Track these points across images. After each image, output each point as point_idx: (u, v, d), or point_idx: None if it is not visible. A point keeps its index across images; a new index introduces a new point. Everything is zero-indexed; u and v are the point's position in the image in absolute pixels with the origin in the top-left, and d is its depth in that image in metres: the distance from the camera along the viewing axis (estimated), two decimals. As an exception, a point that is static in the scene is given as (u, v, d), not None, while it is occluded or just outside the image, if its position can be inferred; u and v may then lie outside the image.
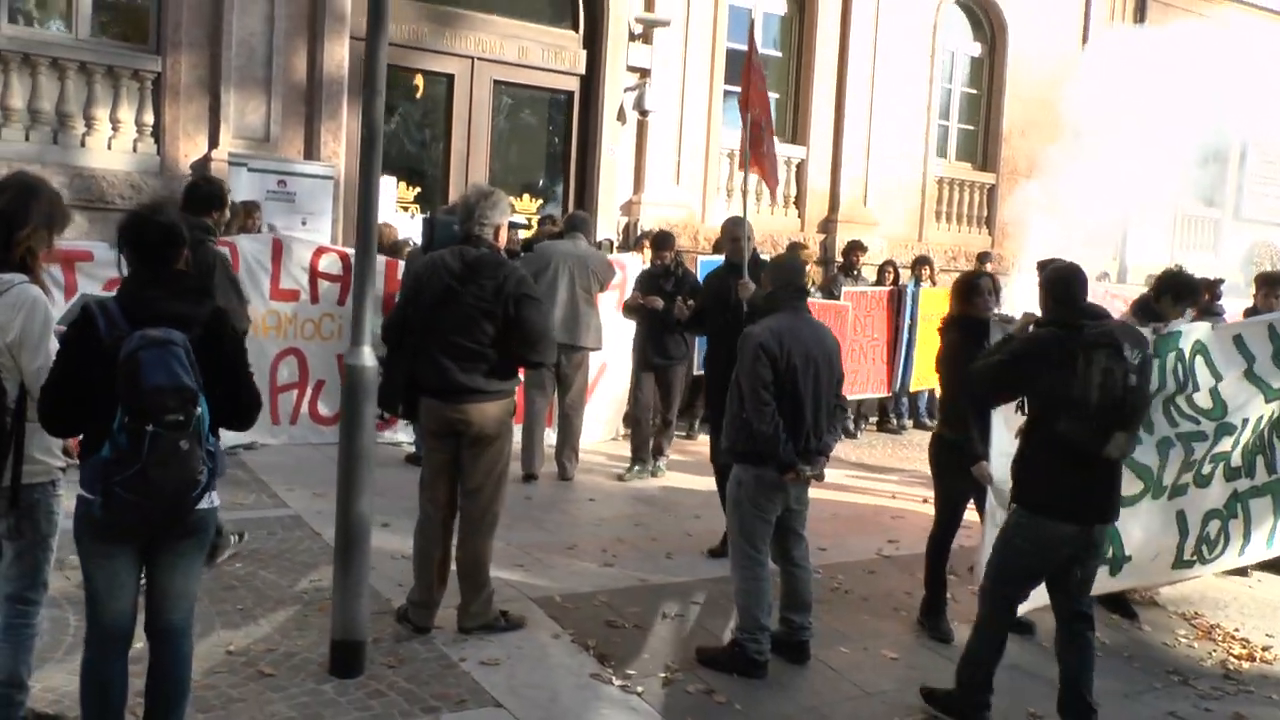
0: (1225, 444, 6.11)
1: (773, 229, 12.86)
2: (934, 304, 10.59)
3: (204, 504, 3.25)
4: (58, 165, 9.45)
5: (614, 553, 6.59)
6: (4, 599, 3.62)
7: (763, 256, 7.31)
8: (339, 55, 10.39)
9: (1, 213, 3.50)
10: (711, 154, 12.57)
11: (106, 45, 9.88)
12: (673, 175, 12.21)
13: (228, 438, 7.85)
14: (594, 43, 11.90)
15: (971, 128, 15.43)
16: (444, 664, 4.75)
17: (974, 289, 5.64)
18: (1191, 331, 6.06)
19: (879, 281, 11.66)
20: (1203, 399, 6.05)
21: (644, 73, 11.87)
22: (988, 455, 5.38)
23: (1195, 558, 6.27)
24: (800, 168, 13.45)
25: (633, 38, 11.82)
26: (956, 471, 5.55)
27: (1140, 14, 16.35)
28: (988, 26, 15.32)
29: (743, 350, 4.89)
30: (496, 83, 11.35)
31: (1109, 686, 5.17)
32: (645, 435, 8.63)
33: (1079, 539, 4.41)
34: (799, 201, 13.45)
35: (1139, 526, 5.90)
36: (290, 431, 8.74)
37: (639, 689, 4.66)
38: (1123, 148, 13.34)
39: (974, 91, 15.39)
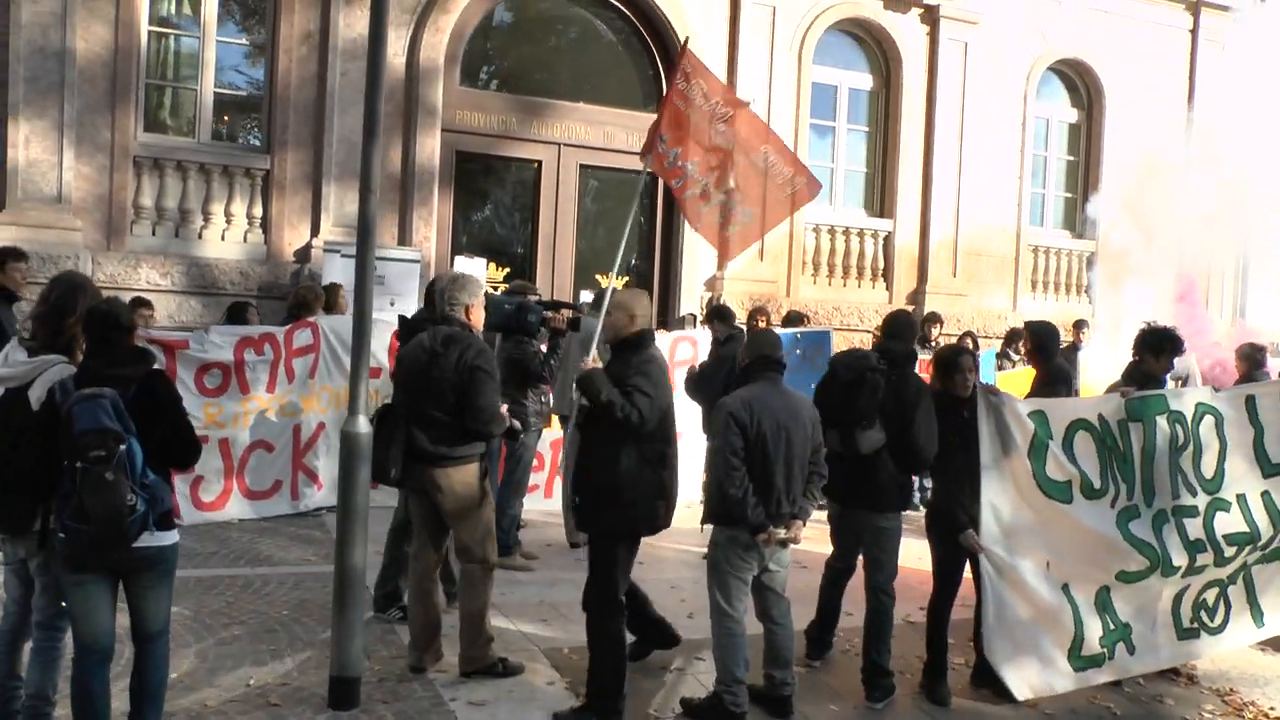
0: (1226, 523, 6.05)
1: (860, 301, 13.06)
2: (1011, 384, 10.36)
3: (153, 540, 3.84)
4: (178, 256, 10.48)
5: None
6: (35, 625, 4.25)
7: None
8: (430, 147, 11.23)
9: (54, 304, 4.18)
10: (796, 229, 12.89)
11: (223, 147, 10.95)
12: (755, 251, 12.57)
13: (314, 499, 8.63)
14: (676, 126, 12.44)
15: (1070, 195, 15.34)
16: (434, 702, 5.17)
17: (954, 366, 5.82)
18: (1187, 394, 6.09)
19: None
20: (1207, 467, 6.05)
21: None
22: (970, 525, 5.55)
23: (1196, 625, 6.18)
24: (887, 240, 13.62)
25: (713, 118, 12.30)
26: (948, 539, 5.72)
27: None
28: (1084, 92, 15.28)
29: (715, 419, 5.20)
30: (582, 167, 11.99)
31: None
32: None
33: None
34: (887, 274, 13.61)
35: (1135, 597, 5.90)
36: (373, 495, 9.31)
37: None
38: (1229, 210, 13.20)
39: (1072, 158, 15.32)
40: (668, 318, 11.67)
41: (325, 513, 8.95)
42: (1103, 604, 5.81)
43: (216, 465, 8.74)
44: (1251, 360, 8.58)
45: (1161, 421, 5.89)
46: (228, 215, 10.84)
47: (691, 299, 12.04)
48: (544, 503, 9.69)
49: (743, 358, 5.57)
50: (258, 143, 11.15)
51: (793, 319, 10.96)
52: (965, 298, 13.79)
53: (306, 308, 9.55)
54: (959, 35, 13.75)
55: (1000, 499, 5.56)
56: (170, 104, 11.18)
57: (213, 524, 8.56)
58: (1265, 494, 6.24)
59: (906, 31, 13.58)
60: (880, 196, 13.81)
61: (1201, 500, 5.98)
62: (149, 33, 10.74)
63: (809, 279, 13.07)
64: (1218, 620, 6.28)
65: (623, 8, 12.30)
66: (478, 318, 5.64)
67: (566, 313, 7.45)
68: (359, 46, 10.93)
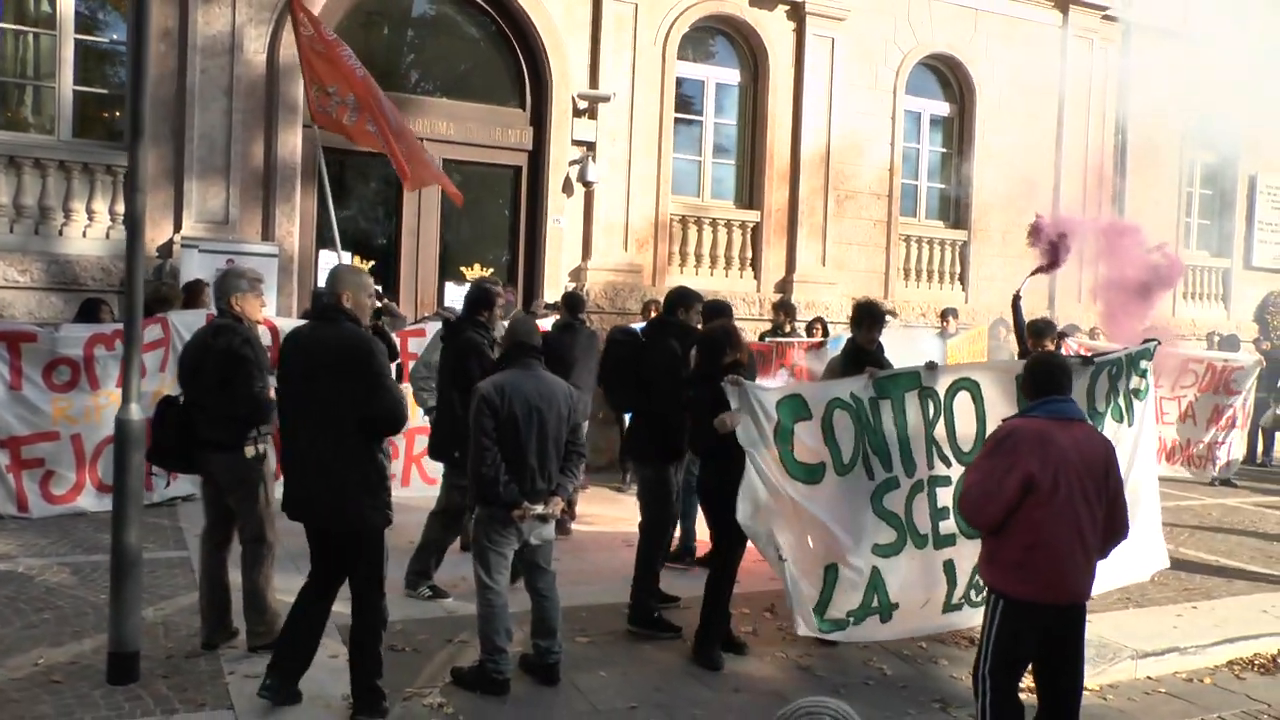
0: None
1: (729, 290, 13.43)
2: (961, 351, 10.94)
3: None
4: (39, 254, 10.59)
5: (451, 590, 7.16)
6: None
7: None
8: (292, 143, 11.40)
9: None
10: (661, 219, 13.23)
11: (83, 145, 11.05)
12: (620, 242, 12.90)
13: (168, 490, 8.80)
14: (540, 120, 12.75)
15: (944, 186, 15.83)
16: (213, 675, 5.44)
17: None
18: (944, 372, 6.49)
19: (809, 335, 12.14)
20: (965, 440, 6.45)
21: (590, 146, 12.65)
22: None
23: (963, 602, 6.57)
24: (756, 229, 14.00)
25: (577, 113, 12.63)
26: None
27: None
28: (956, 86, 15.76)
29: (471, 403, 5.51)
30: (446, 161, 12.23)
31: (860, 711, 5.49)
32: None
33: None
34: (755, 263, 13.98)
35: (902, 574, 6.27)
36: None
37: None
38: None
39: (945, 150, 15.81)
40: (531, 308, 11.91)
41: (180, 502, 9.18)
42: (874, 584, 6.17)
43: (69, 459, 8.93)
44: (1040, 334, 8.95)
45: (911, 397, 6.28)
46: (89, 212, 10.93)
47: (556, 289, 12.33)
48: (400, 490, 9.93)
49: (503, 344, 5.89)
50: (118, 140, 11.27)
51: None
52: (835, 286, 14.19)
53: (165, 303, 9.70)
54: (825, 31, 14.12)
55: (757, 479, 5.90)
56: (31, 102, 11.27)
57: (62, 516, 8.75)
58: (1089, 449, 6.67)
59: (773, 28, 13.94)
60: (750, 188, 14.16)
61: (956, 471, 6.37)
62: (3, 30, 10.82)
63: (676, 268, 13.41)
64: (982, 596, 6.66)
65: (486, 6, 12.52)
66: (252, 313, 5.88)
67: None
68: (217, 44, 11.10)
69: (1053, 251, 9.17)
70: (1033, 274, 9.75)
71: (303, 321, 6.68)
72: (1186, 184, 18.07)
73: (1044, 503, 4.47)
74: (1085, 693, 6.06)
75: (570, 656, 5.94)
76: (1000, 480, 4.48)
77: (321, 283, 11.45)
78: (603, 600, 7.04)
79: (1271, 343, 17.68)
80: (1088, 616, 7.08)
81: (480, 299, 7.17)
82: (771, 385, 7.20)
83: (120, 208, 11.02)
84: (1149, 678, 6.56)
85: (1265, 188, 18.98)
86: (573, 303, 9.58)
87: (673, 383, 6.51)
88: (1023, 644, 4.60)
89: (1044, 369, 4.84)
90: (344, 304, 5.01)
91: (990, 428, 6.51)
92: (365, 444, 4.92)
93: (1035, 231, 9.26)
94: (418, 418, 8.77)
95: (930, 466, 6.36)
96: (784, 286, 13.95)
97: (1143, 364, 7.41)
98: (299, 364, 4.97)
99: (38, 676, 5.32)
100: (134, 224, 5.39)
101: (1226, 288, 18.66)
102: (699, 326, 6.90)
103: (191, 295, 9.88)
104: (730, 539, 6.18)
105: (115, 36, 11.44)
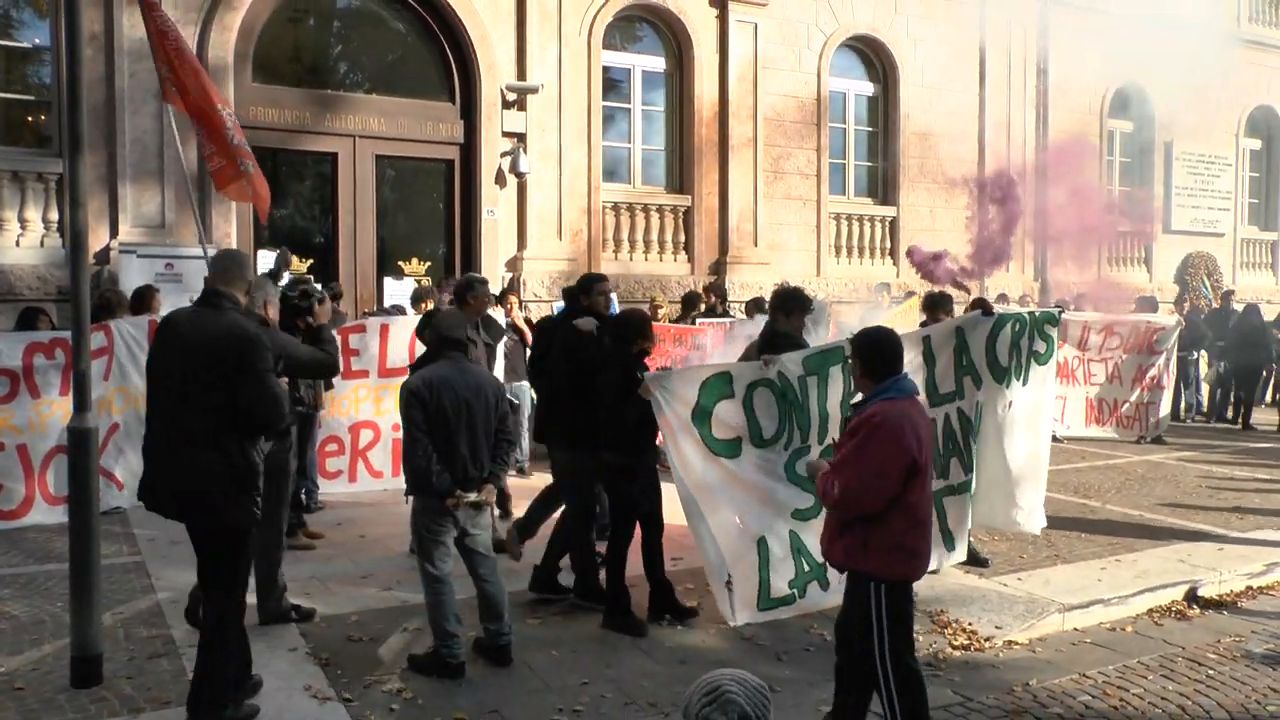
0: None
1: (662, 275, 13.68)
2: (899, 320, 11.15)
3: None
4: (-30, 263, 10.55)
5: (403, 580, 7.35)
6: None
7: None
8: (225, 145, 11.42)
9: None
10: (594, 208, 13.43)
11: (12, 152, 11.00)
12: (555, 231, 13.09)
13: (115, 498, 8.82)
14: (470, 112, 12.89)
15: (871, 164, 16.20)
16: (176, 675, 5.57)
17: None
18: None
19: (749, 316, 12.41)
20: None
21: (519, 137, 12.82)
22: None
23: None
24: (687, 214, 14.25)
25: (506, 105, 12.80)
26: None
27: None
28: (879, 66, 16.12)
29: (401, 395, 5.70)
30: (379, 157, 12.32)
31: (800, 676, 5.87)
32: None
33: None
34: (688, 247, 14.24)
35: (818, 536, 6.56)
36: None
37: (343, 694, 5.40)
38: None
39: (871, 129, 16.17)
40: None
41: (127, 509, 9.21)
42: (796, 548, 6.48)
43: (16, 472, 8.88)
44: (935, 308, 9.23)
45: (835, 371, 6.57)
46: (22, 220, 10.90)
47: (494, 281, 12.47)
48: (348, 486, 10.10)
49: (430, 338, 6.09)
50: (51, 146, 11.23)
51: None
52: (768, 265, 14.49)
53: (109, 311, 9.67)
54: (748, 17, 14.40)
55: (683, 461, 6.17)
56: (-45, 111, 11.21)
57: (12, 529, 8.74)
58: (931, 422, 6.99)
59: (695, 15, 14.17)
60: (680, 173, 14.41)
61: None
62: (-80, 37, 10.77)
63: (610, 255, 13.64)
64: None
65: (411, 1, 12.61)
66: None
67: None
68: (145, 46, 10.98)
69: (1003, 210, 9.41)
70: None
71: None
72: (1107, 154, 18.63)
73: (921, 485, 4.54)
74: (1015, 646, 6.49)
75: (521, 638, 6.16)
76: (886, 470, 4.42)
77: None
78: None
79: (1190, 303, 18.30)
80: (1019, 575, 7.60)
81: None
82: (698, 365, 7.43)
83: (53, 215, 11.01)
84: (1075, 629, 6.90)
85: (1180, 154, 19.60)
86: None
87: (577, 366, 6.74)
88: (908, 619, 4.71)
89: (887, 346, 4.71)
90: (228, 290, 4.89)
91: None
92: (234, 437, 4.72)
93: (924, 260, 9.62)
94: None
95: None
96: (717, 269, 14.22)
97: (1047, 328, 7.73)
98: (173, 346, 4.80)
99: (0, 684, 5.44)
100: (76, 236, 5.49)
101: (1148, 251, 19.26)
102: (607, 311, 7.15)
103: (140, 302, 9.89)
104: (619, 516, 6.58)
105: (37, 40, 11.38)
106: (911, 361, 6.90)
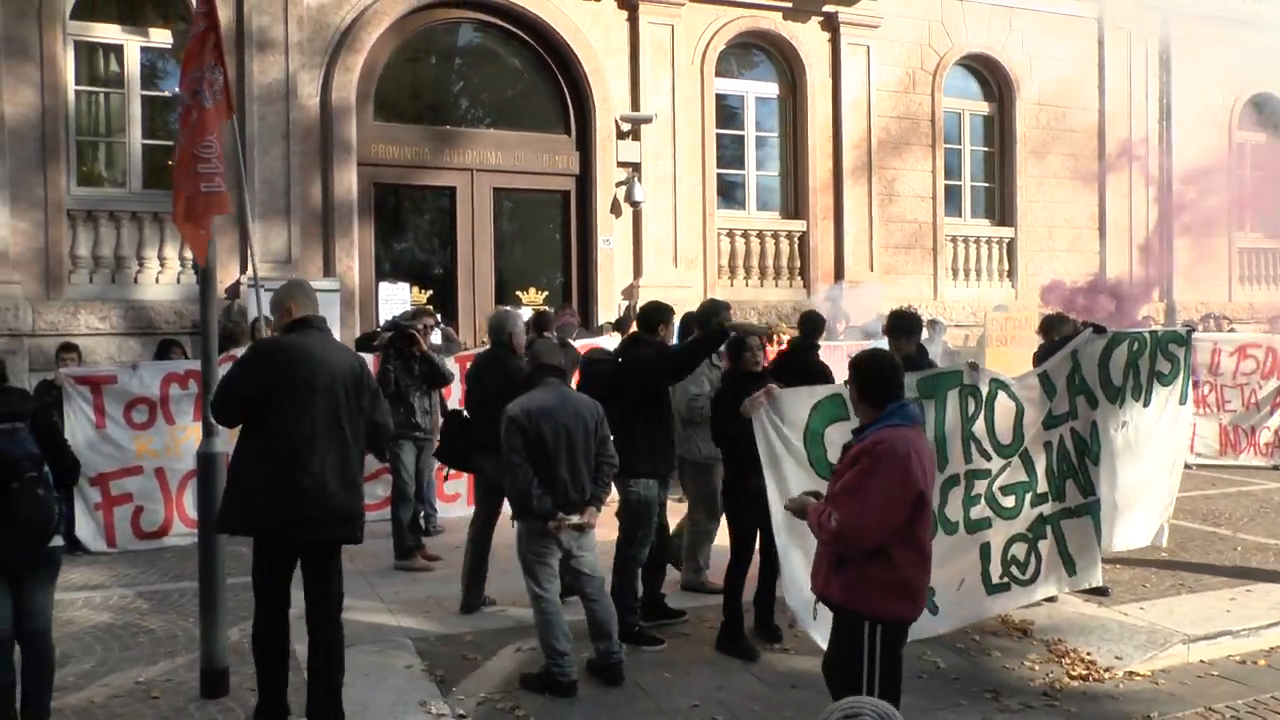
0: (1008, 476, 6.65)
1: (778, 300, 13.65)
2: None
3: (54, 542, 4.89)
4: (116, 300, 11.15)
5: (517, 602, 7.46)
6: None
7: None
8: (348, 181, 11.89)
9: None
10: (709, 235, 13.52)
11: (154, 195, 11.61)
12: (670, 258, 13.21)
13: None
14: (585, 144, 13.14)
15: (988, 184, 15.96)
16: (297, 687, 5.66)
17: (743, 346, 6.55)
18: (984, 373, 6.71)
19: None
20: (1004, 434, 6.64)
21: (634, 167, 13.00)
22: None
23: (1007, 579, 6.73)
24: (802, 239, 14.28)
25: (621, 135, 13.01)
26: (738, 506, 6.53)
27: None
28: (995, 85, 15.89)
29: (503, 424, 5.82)
30: (496, 190, 12.63)
31: (913, 703, 5.76)
32: None
33: None
34: (804, 272, 14.23)
35: (934, 561, 6.46)
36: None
37: (457, 710, 5.54)
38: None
39: (987, 149, 15.95)
40: (589, 328, 12.24)
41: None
42: None
43: (156, 495, 9.32)
44: (1050, 330, 8.99)
45: (952, 395, 6.47)
46: (161, 259, 11.50)
47: (610, 308, 12.66)
48: (467, 510, 10.27)
49: (529, 366, 6.22)
50: (187, 188, 11.80)
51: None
52: (885, 289, 14.35)
53: (233, 341, 10.11)
54: (860, 40, 14.37)
55: (781, 485, 6.10)
56: (103, 157, 11.87)
57: (152, 549, 9.19)
58: (1046, 444, 6.85)
59: (808, 40, 14.20)
60: (794, 198, 14.41)
61: (996, 464, 6.57)
62: (75, 92, 11.43)
63: (725, 281, 13.70)
64: (1029, 573, 6.83)
65: (526, 37, 12.95)
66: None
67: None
68: (274, 91, 11.61)
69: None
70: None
71: None
72: (1239, 166, 17.95)
73: (926, 518, 4.30)
74: (1136, 677, 6.28)
75: (634, 660, 6.22)
76: (892, 500, 4.10)
77: (383, 313, 11.94)
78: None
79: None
80: (1141, 604, 7.36)
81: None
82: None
83: (189, 254, 11.56)
84: (1201, 661, 6.62)
85: (1318, 167, 18.78)
86: (539, 321, 9.75)
87: (653, 398, 6.70)
88: (900, 664, 4.35)
89: (887, 369, 4.43)
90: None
91: (1028, 423, 6.71)
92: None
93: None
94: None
95: (968, 461, 6.54)
96: (833, 293, 14.14)
97: (1173, 348, 7.50)
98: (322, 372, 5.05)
99: (137, 693, 5.73)
100: (208, 272, 5.77)
101: (1281, 268, 18.52)
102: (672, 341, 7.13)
103: (257, 332, 10.32)
104: (739, 538, 6.57)
105: (177, 89, 11.98)
106: (1030, 394, 6.79)
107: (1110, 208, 16.35)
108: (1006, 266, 15.81)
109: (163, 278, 11.51)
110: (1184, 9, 16.93)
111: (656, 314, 7.03)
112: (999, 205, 15.96)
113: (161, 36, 11.78)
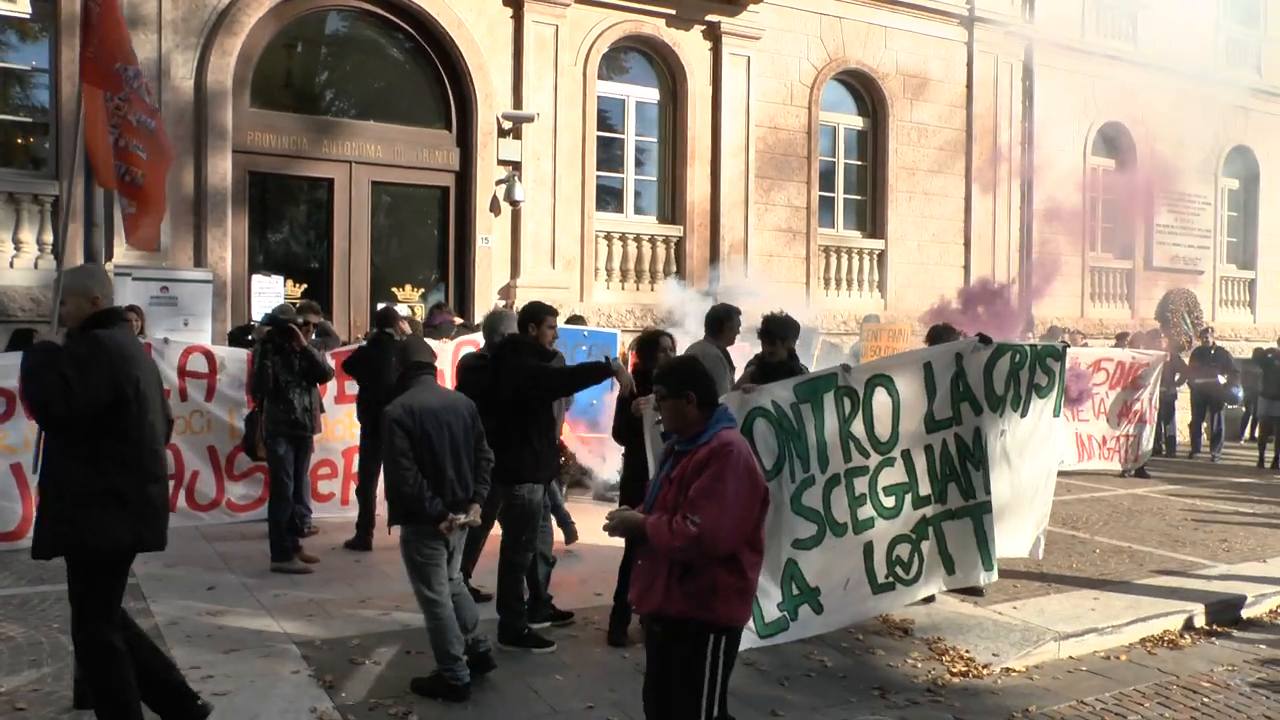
0: (889, 476, 6.86)
1: (654, 304, 13.72)
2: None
3: None
4: (-36, 283, 10.51)
5: (400, 604, 7.33)
6: None
7: None
8: (222, 169, 11.46)
9: None
10: (587, 236, 13.52)
11: (8, 174, 10.99)
12: (548, 259, 13.16)
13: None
14: (466, 140, 12.98)
15: (861, 197, 16.37)
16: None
17: (655, 345, 6.60)
18: (860, 369, 6.90)
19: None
20: (882, 430, 6.84)
21: (515, 165, 12.90)
22: None
23: (892, 579, 6.94)
24: (679, 244, 14.40)
25: (502, 134, 12.89)
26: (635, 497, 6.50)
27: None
28: (869, 101, 16.33)
29: (382, 427, 5.67)
30: (375, 183, 12.37)
31: (803, 701, 5.91)
32: None
33: None
34: (680, 277, 14.34)
35: (818, 561, 6.59)
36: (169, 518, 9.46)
37: (348, 716, 5.39)
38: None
39: (860, 163, 16.36)
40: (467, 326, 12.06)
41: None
42: (790, 574, 6.50)
43: (12, 492, 8.81)
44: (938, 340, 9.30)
45: (829, 398, 6.63)
46: (16, 242, 10.88)
47: (486, 307, 12.52)
48: (340, 509, 10.06)
49: (398, 365, 6.07)
50: (47, 169, 11.22)
51: (572, 321, 11.54)
52: (757, 297, 14.55)
53: None
54: (741, 50, 14.56)
55: None
56: (-50, 131, 11.21)
57: (3, 551, 8.65)
58: (928, 448, 7.08)
59: (690, 47, 14.32)
60: (672, 204, 14.52)
61: (874, 460, 6.79)
62: (-83, 60, 10.77)
63: (602, 284, 13.71)
64: (912, 573, 7.05)
65: (409, 29, 12.72)
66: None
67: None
68: (146, 70, 10.94)
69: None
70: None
71: None
72: (1090, 189, 18.86)
73: (765, 520, 4.23)
74: (1013, 673, 6.55)
75: (524, 663, 6.21)
76: (749, 503, 4.03)
77: (256, 306, 11.56)
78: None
79: (1171, 339, 18.51)
80: (1013, 604, 7.67)
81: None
82: None
83: (48, 237, 11.01)
84: (1070, 657, 6.96)
85: (1160, 192, 19.85)
86: (383, 318, 9.58)
87: (533, 401, 6.63)
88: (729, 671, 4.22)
89: (707, 372, 4.32)
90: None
91: (904, 416, 6.92)
92: None
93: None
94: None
95: (847, 460, 6.71)
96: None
97: (1050, 362, 7.82)
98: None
99: (0, 705, 5.40)
100: (91, 257, 5.49)
101: (1130, 288, 19.49)
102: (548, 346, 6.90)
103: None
104: None
105: (35, 62, 11.39)
106: (910, 390, 6.99)
107: (975, 224, 16.95)
108: (877, 277, 16.24)
109: (18, 262, 10.89)
110: (1047, 38, 17.70)
111: (529, 315, 6.87)
112: (870, 218, 16.38)
113: (16, 6, 11.14)
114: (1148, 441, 14.22)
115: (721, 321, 7.66)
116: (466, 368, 7.17)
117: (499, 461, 6.21)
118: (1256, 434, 17.72)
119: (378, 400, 8.67)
